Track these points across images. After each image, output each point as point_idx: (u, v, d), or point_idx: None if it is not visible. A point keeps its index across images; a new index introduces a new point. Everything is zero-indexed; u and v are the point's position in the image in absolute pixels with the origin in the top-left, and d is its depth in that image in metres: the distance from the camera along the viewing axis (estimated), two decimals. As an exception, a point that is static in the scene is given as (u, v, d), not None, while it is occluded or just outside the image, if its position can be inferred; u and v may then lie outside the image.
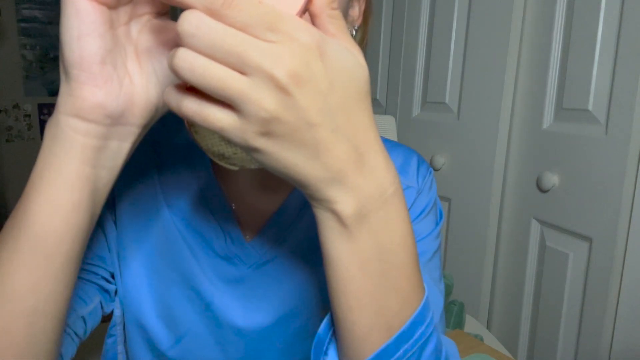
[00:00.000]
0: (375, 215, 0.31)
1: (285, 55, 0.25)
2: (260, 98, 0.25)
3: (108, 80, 0.30)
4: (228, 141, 0.39)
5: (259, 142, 0.27)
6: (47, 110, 3.08)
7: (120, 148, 0.33)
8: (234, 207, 0.51)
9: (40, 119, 3.07)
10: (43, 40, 2.98)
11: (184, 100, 0.27)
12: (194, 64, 0.25)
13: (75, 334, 0.45)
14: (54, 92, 3.07)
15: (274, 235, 0.51)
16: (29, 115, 3.04)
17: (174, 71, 0.25)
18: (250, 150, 0.27)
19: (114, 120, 0.31)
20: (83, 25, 0.29)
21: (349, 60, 0.28)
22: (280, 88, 0.25)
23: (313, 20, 0.29)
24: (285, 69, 0.25)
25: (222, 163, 0.40)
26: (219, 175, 0.52)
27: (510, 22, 1.20)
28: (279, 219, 0.51)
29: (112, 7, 0.30)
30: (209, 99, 0.26)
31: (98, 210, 0.35)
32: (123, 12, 0.32)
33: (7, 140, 3.01)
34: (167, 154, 0.53)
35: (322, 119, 0.27)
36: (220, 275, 0.51)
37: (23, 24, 2.92)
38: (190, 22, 0.24)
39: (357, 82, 0.29)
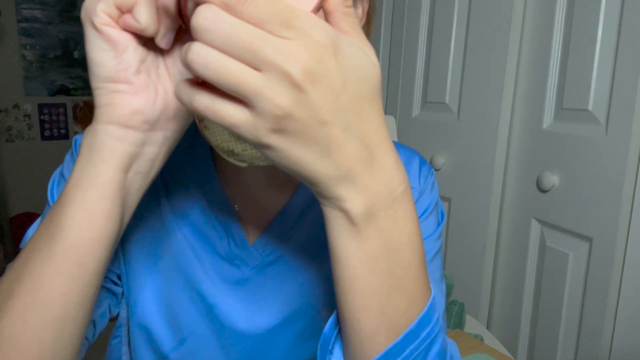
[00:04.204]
0: (384, 214, 0.31)
1: (300, 52, 0.25)
2: (274, 95, 0.25)
3: (145, 88, 0.32)
4: (238, 138, 0.39)
5: (271, 139, 0.26)
6: (47, 110, 3.08)
7: (156, 154, 0.34)
8: (236, 208, 0.51)
9: (40, 119, 3.07)
10: (43, 40, 2.98)
11: (196, 95, 0.26)
12: (208, 59, 0.25)
13: (85, 337, 0.45)
14: (54, 92, 3.07)
15: (277, 237, 0.51)
16: (29, 115, 3.04)
17: (187, 66, 0.25)
18: (261, 147, 0.27)
19: (151, 126, 0.33)
20: (119, 45, 0.30)
21: (361, 59, 0.28)
22: (295, 85, 0.25)
23: (327, 18, 0.29)
24: (299, 66, 0.25)
25: (231, 159, 0.40)
26: (222, 176, 0.52)
27: (510, 22, 1.20)
28: (282, 220, 0.51)
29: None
30: (221, 95, 0.26)
31: (129, 218, 0.35)
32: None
33: (7, 140, 3.01)
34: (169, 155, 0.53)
35: (334, 117, 0.27)
36: (223, 277, 0.51)
37: (23, 24, 2.92)
38: (206, 16, 0.24)
39: (369, 80, 0.29)
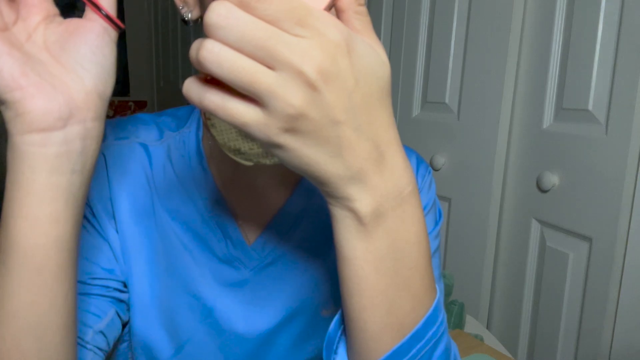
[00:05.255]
0: (392, 214, 0.31)
1: (315, 51, 0.25)
2: (288, 94, 0.25)
3: (40, 87, 0.30)
4: (246, 136, 0.38)
5: (282, 139, 0.26)
6: (46, 110, 3.06)
7: (84, 147, 0.33)
8: (234, 210, 0.51)
9: (39, 118, 3.05)
10: (42, 40, 2.97)
11: (206, 93, 0.26)
12: (221, 57, 0.24)
13: (98, 348, 0.45)
14: (54, 92, 3.06)
15: (275, 237, 0.51)
16: (29, 115, 3.03)
17: (198, 63, 0.25)
18: (272, 146, 0.27)
19: (65, 121, 0.31)
20: None
21: (373, 58, 0.28)
22: (309, 84, 0.25)
23: (339, 16, 0.29)
24: (314, 65, 0.25)
25: (237, 158, 0.40)
26: (217, 177, 0.51)
27: (510, 22, 1.20)
28: (281, 220, 0.51)
29: (3, 29, 0.31)
30: (232, 93, 0.26)
31: (79, 217, 0.34)
32: (19, 32, 0.32)
33: (7, 140, 3.00)
34: (161, 157, 0.52)
35: (347, 117, 0.27)
36: (221, 280, 0.50)
37: (22, 24, 2.91)
38: (220, 13, 0.24)
39: (381, 80, 0.29)
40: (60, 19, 0.33)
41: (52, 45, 0.32)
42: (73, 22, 0.33)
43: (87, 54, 0.32)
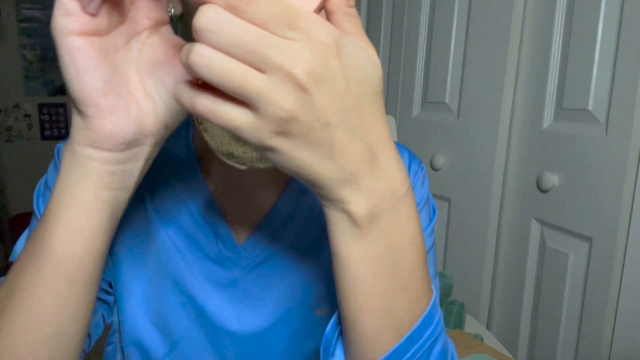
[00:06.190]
0: (387, 216, 0.31)
1: (305, 53, 0.24)
2: (279, 97, 0.24)
3: (114, 110, 0.30)
4: (238, 140, 0.38)
5: (274, 142, 0.26)
6: (47, 110, 3.08)
7: (135, 168, 0.33)
8: (224, 210, 0.51)
9: (40, 118, 3.07)
10: (43, 40, 2.98)
11: (198, 97, 0.26)
12: (211, 60, 0.24)
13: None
14: (54, 92, 3.07)
15: (266, 236, 0.51)
16: (29, 115, 3.04)
17: (189, 67, 0.25)
18: (264, 149, 0.27)
19: (128, 145, 0.32)
20: (78, 63, 0.29)
21: (364, 59, 0.28)
22: (299, 87, 0.25)
23: (329, 18, 0.29)
24: (304, 67, 0.24)
25: (231, 162, 0.39)
26: (208, 177, 0.51)
27: (510, 22, 1.20)
28: (272, 219, 0.51)
29: (104, 33, 0.30)
30: (223, 97, 0.26)
31: (113, 232, 0.35)
32: (119, 35, 0.31)
33: (7, 140, 3.01)
34: None
35: (339, 119, 0.27)
36: (213, 279, 0.50)
37: (23, 24, 2.93)
38: (209, 16, 0.24)
39: (372, 81, 0.28)
40: (166, 29, 0.33)
41: (143, 64, 0.32)
42: (172, 42, 0.32)
43: (169, 86, 0.32)
